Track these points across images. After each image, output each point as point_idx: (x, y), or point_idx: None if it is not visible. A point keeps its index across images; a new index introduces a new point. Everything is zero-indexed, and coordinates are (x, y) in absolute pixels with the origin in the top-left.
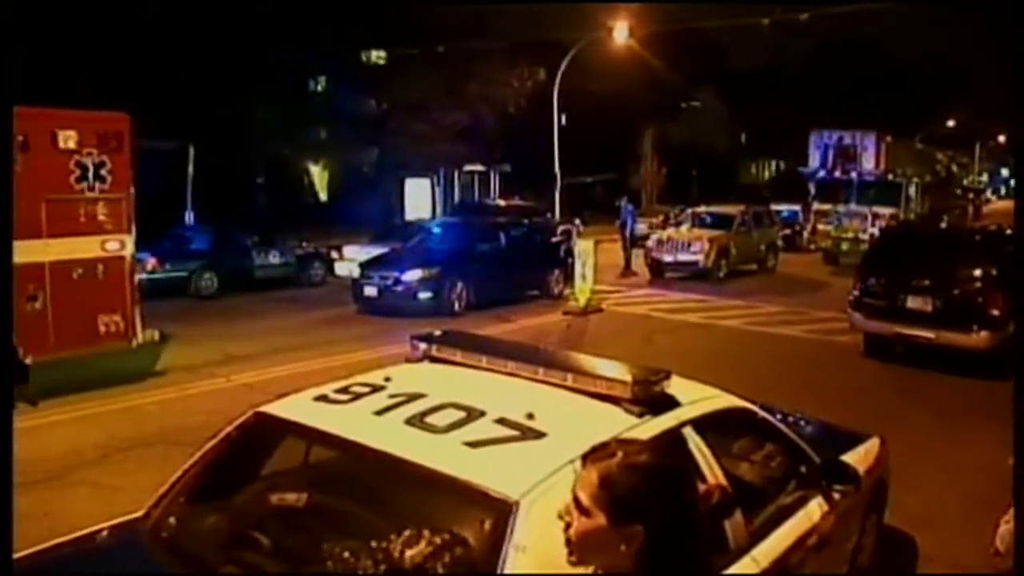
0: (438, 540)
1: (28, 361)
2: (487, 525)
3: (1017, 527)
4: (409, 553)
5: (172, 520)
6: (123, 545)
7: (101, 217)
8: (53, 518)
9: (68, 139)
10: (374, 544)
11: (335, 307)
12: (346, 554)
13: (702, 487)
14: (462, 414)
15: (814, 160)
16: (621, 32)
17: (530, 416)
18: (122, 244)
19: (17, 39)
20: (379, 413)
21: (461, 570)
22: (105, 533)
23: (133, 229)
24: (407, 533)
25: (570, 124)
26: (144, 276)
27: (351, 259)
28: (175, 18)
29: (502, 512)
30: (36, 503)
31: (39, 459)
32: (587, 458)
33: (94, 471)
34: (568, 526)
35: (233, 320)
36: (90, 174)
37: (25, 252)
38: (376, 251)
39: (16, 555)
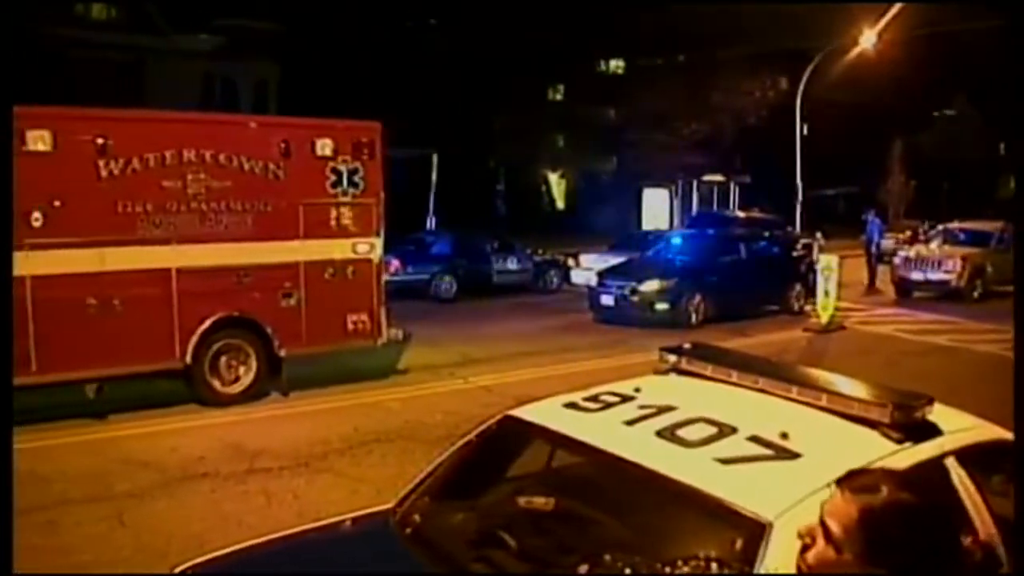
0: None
1: (282, 354)
2: (738, 545)
3: (1017, 528)
4: None
5: (417, 516)
6: (372, 535)
7: (353, 221)
8: (301, 502)
9: (325, 147)
10: (659, 566)
11: (571, 314)
12: (624, 567)
13: (967, 541)
14: (714, 429)
15: None
16: (868, 39)
17: (784, 435)
18: (371, 247)
19: (280, 54)
20: (629, 423)
21: None
22: (349, 523)
23: (383, 233)
24: (694, 562)
25: (812, 134)
26: (387, 278)
27: (588, 267)
28: (419, 30)
29: (754, 532)
30: (286, 487)
31: (289, 446)
32: (842, 484)
33: (339, 461)
34: (806, 548)
35: (471, 323)
36: (344, 180)
37: (282, 252)
38: (613, 260)
39: (268, 537)
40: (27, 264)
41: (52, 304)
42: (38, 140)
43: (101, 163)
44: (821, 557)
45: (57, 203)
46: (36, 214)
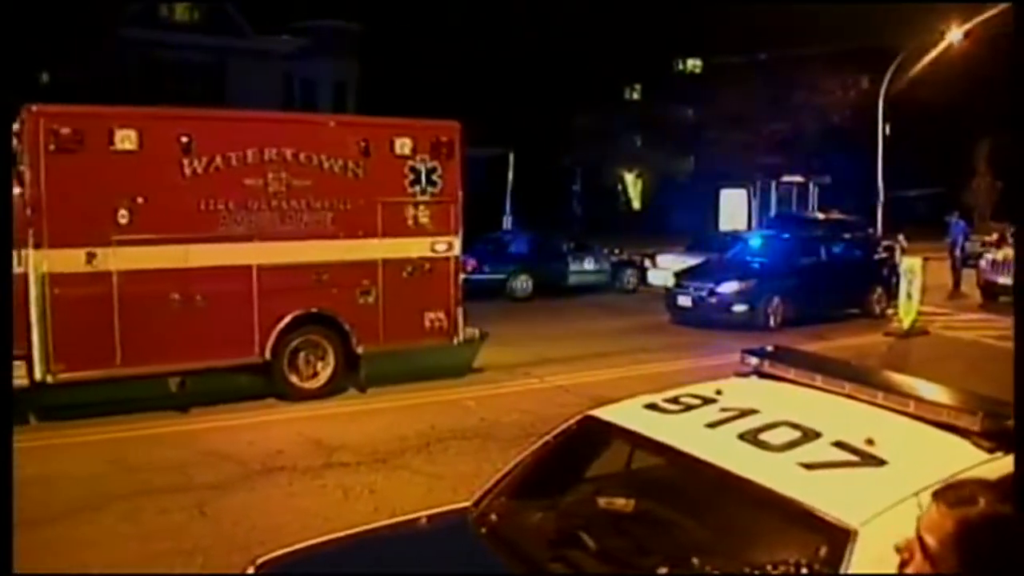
0: None
1: (359, 350)
2: (822, 551)
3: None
4: None
5: (494, 515)
6: (449, 533)
7: (431, 219)
8: (378, 498)
9: (404, 146)
10: (747, 570)
11: (647, 315)
12: (712, 571)
13: None
14: (797, 434)
15: None
16: (954, 36)
17: (869, 442)
18: (449, 246)
19: (359, 54)
20: (711, 426)
21: None
22: (426, 520)
23: (460, 232)
24: (783, 567)
25: (895, 134)
26: (464, 277)
27: (664, 268)
28: (498, 30)
29: (839, 539)
30: (363, 483)
31: (366, 442)
32: (938, 497)
33: (416, 458)
34: (904, 563)
35: (547, 323)
36: (422, 179)
37: (361, 250)
38: (690, 261)
39: (345, 532)
40: (113, 259)
41: (137, 299)
42: (125, 139)
43: (185, 162)
44: (919, 572)
45: (142, 200)
46: (122, 211)
